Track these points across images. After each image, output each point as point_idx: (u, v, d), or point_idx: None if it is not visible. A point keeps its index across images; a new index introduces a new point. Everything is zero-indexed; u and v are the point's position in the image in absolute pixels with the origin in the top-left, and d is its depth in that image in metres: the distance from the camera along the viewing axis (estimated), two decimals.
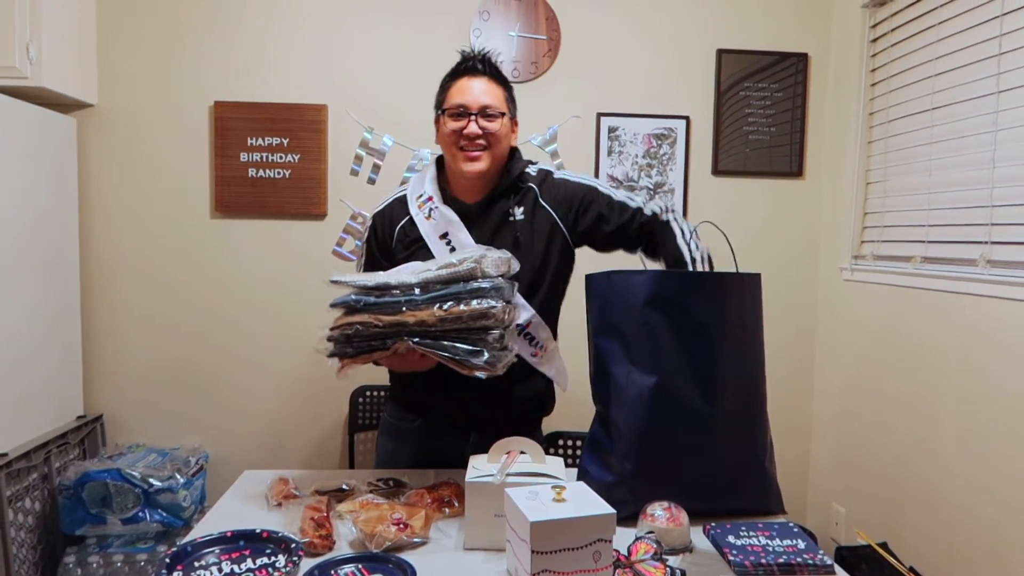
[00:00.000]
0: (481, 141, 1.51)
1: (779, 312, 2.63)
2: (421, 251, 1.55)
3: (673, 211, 1.58)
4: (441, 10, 2.55)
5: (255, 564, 1.15)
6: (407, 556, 1.19)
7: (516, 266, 1.41)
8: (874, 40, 2.42)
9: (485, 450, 1.35)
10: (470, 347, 1.32)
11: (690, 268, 1.48)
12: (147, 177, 2.53)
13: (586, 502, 1.09)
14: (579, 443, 2.20)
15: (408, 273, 1.37)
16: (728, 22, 2.63)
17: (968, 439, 1.92)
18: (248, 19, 2.52)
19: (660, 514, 1.25)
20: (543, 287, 1.59)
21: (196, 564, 1.15)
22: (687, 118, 2.63)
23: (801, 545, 1.21)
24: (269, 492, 1.46)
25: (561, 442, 2.21)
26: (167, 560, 1.14)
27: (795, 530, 1.27)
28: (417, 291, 1.32)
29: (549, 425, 2.19)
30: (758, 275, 1.46)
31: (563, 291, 1.67)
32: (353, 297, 1.34)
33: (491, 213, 1.57)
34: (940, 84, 2.09)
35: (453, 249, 1.53)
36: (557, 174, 1.64)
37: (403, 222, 1.58)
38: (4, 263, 2.09)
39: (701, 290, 1.38)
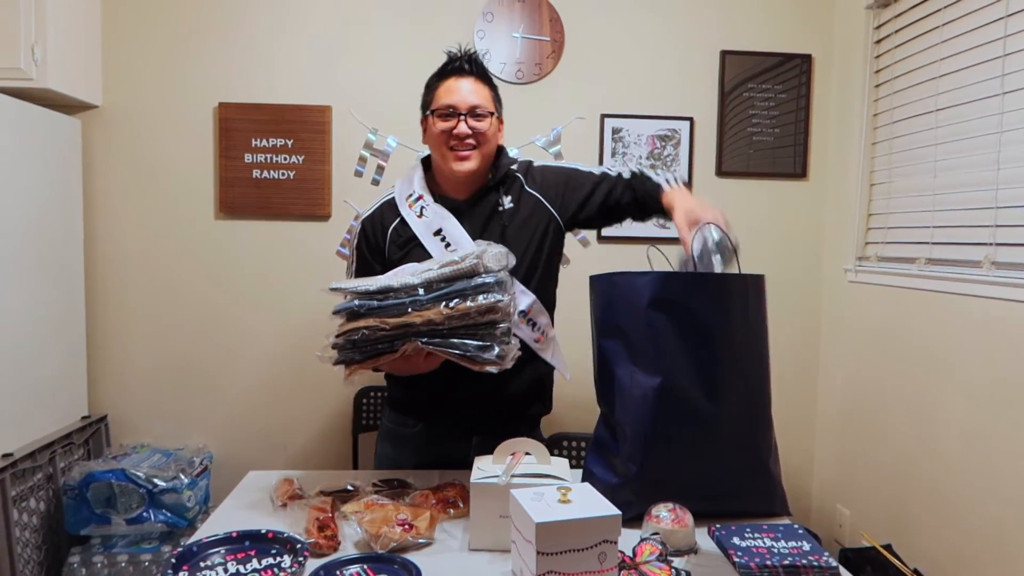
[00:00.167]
0: (471, 141, 1.53)
1: (783, 313, 2.63)
2: (416, 250, 1.56)
3: (661, 173, 1.63)
4: (445, 11, 2.55)
5: (260, 564, 1.15)
6: (412, 557, 1.19)
7: (513, 260, 1.42)
8: (878, 41, 2.42)
9: (488, 452, 1.36)
10: (480, 342, 1.32)
11: (664, 187, 1.55)
12: (151, 178, 2.54)
13: (591, 503, 1.09)
14: (583, 444, 2.20)
15: (408, 274, 1.37)
16: (732, 23, 2.63)
17: (973, 440, 1.92)
18: (252, 20, 2.52)
19: (665, 515, 1.25)
20: (538, 271, 1.61)
21: (202, 564, 1.15)
22: (691, 119, 2.63)
23: (806, 547, 1.21)
24: (274, 493, 1.46)
25: (565, 443, 2.21)
26: (173, 560, 1.14)
27: (800, 532, 1.27)
28: (421, 291, 1.32)
29: (554, 426, 2.20)
30: (762, 276, 1.46)
31: (556, 275, 1.70)
32: (356, 303, 1.33)
33: (481, 206, 1.59)
34: (944, 85, 2.09)
35: (448, 244, 1.54)
36: (537, 163, 1.69)
37: (395, 223, 1.59)
38: (9, 264, 2.09)
39: (705, 291, 1.37)
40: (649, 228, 2.62)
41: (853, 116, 2.53)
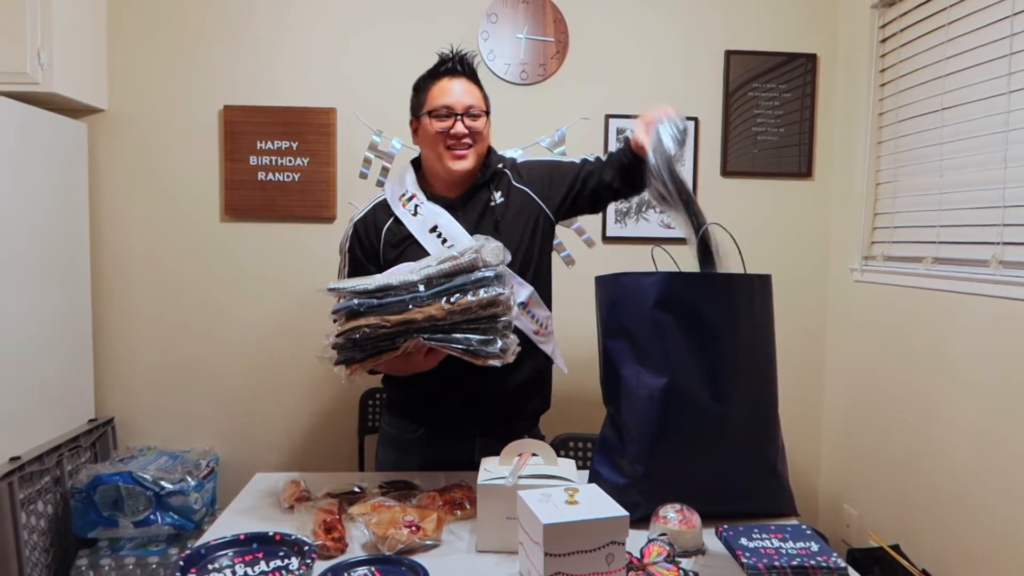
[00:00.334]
0: (467, 140, 1.56)
1: (789, 313, 2.61)
2: (411, 248, 1.57)
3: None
4: (448, 13, 2.55)
5: (268, 567, 1.15)
6: (419, 558, 1.19)
7: (508, 256, 1.43)
8: (883, 40, 2.41)
9: (491, 453, 1.36)
10: (482, 336, 1.32)
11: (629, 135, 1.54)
12: (157, 181, 2.54)
13: (599, 504, 1.08)
14: (590, 445, 2.20)
15: (406, 272, 1.37)
16: (736, 23, 2.63)
17: (981, 440, 1.91)
18: (257, 23, 2.53)
19: (672, 516, 1.25)
20: (532, 264, 1.63)
21: (210, 567, 1.16)
22: (695, 119, 2.63)
23: (814, 547, 1.20)
24: (281, 495, 1.46)
25: (572, 444, 2.21)
26: (181, 563, 1.14)
27: (808, 532, 1.27)
28: (421, 287, 1.33)
29: (560, 427, 2.20)
30: (768, 276, 1.46)
31: (550, 268, 1.73)
32: (356, 302, 1.33)
33: (473, 203, 1.61)
34: (950, 84, 2.08)
35: (444, 241, 1.55)
36: (521, 159, 1.73)
37: (388, 223, 1.60)
38: (16, 267, 2.10)
39: (711, 291, 1.37)
40: (654, 228, 2.63)
41: (858, 115, 2.52)
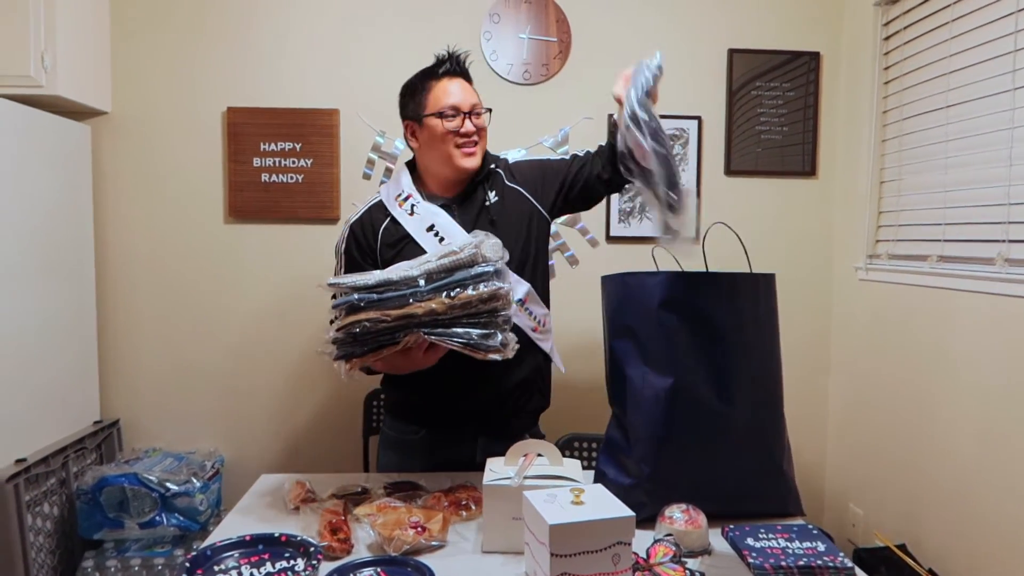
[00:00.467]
0: (475, 137, 1.59)
1: (794, 312, 2.62)
2: (408, 247, 1.57)
3: None
4: (451, 14, 2.55)
5: (274, 568, 1.15)
6: (425, 559, 1.19)
7: (507, 254, 1.44)
8: (887, 38, 2.41)
9: (493, 452, 1.35)
10: (483, 330, 1.33)
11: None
12: (161, 183, 2.55)
13: (605, 504, 1.08)
14: (595, 445, 2.20)
15: (406, 267, 1.37)
16: (739, 21, 2.62)
17: (987, 439, 1.90)
18: (260, 25, 2.53)
19: (678, 516, 1.24)
20: (529, 262, 1.65)
21: (216, 568, 1.16)
22: (699, 118, 2.62)
23: (821, 547, 1.20)
24: (286, 496, 1.46)
25: (577, 444, 2.21)
26: (187, 564, 1.14)
27: (815, 532, 1.26)
28: (422, 282, 1.33)
29: (565, 427, 2.20)
30: (772, 276, 1.45)
31: (547, 267, 1.74)
32: (356, 297, 1.34)
33: (469, 202, 1.63)
34: (955, 82, 2.07)
35: (442, 239, 1.56)
36: (512, 159, 1.75)
37: (385, 223, 1.62)
38: (21, 269, 2.11)
39: (716, 291, 1.37)
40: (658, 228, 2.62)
41: (862, 113, 2.51)
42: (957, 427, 2.01)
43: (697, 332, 1.35)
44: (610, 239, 2.63)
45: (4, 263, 2.03)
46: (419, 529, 1.24)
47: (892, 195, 2.39)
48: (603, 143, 1.68)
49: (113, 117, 2.52)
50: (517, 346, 1.40)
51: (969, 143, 2.02)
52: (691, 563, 1.14)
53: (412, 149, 1.68)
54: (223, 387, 2.60)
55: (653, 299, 1.35)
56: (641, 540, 1.15)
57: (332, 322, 1.40)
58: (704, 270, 1.45)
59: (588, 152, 1.69)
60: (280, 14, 2.53)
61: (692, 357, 1.35)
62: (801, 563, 1.15)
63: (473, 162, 1.59)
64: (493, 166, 1.68)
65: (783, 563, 1.14)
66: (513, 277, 1.56)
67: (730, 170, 2.65)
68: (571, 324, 2.46)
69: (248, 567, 1.16)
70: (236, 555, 1.20)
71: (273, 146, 2.53)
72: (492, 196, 1.63)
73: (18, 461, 2.04)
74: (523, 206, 1.66)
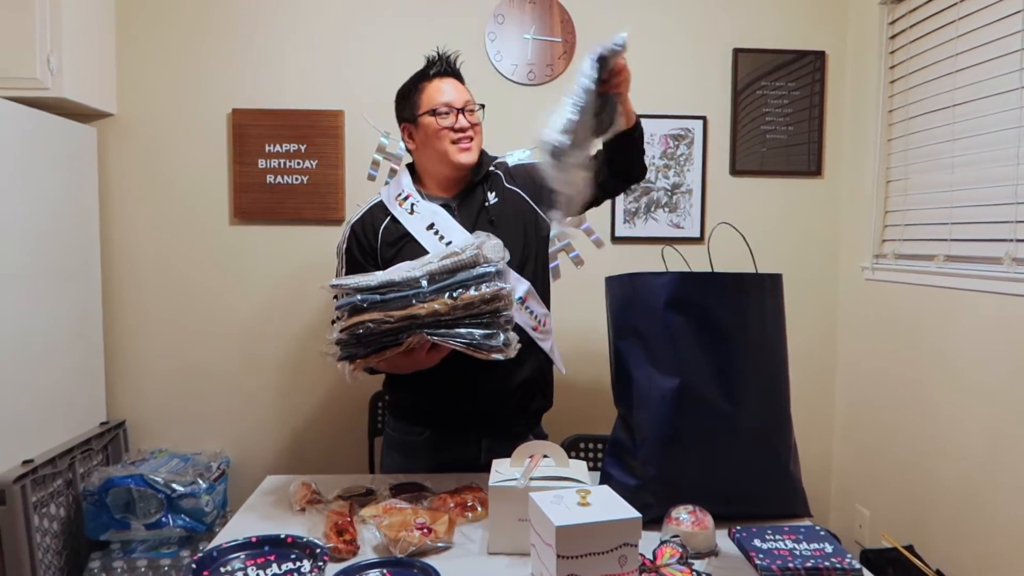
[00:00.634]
0: (470, 133, 1.61)
1: (800, 312, 2.61)
2: (408, 246, 1.58)
3: None
4: (455, 15, 2.55)
5: (280, 569, 1.15)
6: (431, 561, 1.19)
7: (508, 254, 1.45)
8: (892, 37, 2.40)
9: (497, 453, 1.35)
10: (486, 331, 1.34)
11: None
12: (166, 184, 2.55)
13: (611, 506, 1.08)
14: (600, 446, 2.19)
15: (408, 269, 1.38)
16: (744, 21, 2.62)
17: (994, 439, 1.89)
18: (264, 27, 2.53)
19: (685, 518, 1.24)
20: (529, 263, 1.65)
21: (222, 570, 1.16)
22: (704, 118, 2.62)
23: (828, 549, 1.20)
24: (292, 497, 1.46)
25: (583, 445, 2.21)
26: (193, 566, 1.14)
27: (822, 533, 1.26)
28: (424, 283, 1.34)
29: (567, 428, 2.19)
30: (779, 276, 1.45)
31: (547, 268, 1.75)
32: (359, 298, 1.35)
33: (468, 202, 1.64)
34: (961, 80, 2.06)
35: (442, 238, 1.57)
36: (511, 162, 1.77)
37: (385, 222, 1.63)
38: (27, 270, 2.11)
39: (722, 292, 1.37)
40: (663, 228, 2.62)
41: (868, 113, 2.50)
42: (964, 427, 2.00)
43: (703, 333, 1.35)
44: (615, 239, 2.63)
45: (10, 265, 2.03)
46: (425, 530, 1.24)
47: (898, 194, 2.38)
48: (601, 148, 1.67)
49: (118, 119, 2.53)
50: (519, 346, 1.40)
51: (976, 142, 2.01)
52: (698, 565, 1.14)
53: (410, 152, 1.71)
54: (229, 388, 2.60)
55: (659, 300, 1.35)
56: (648, 541, 1.14)
57: (334, 322, 1.40)
58: (710, 270, 1.45)
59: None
60: (285, 16, 2.53)
61: (698, 358, 1.34)
62: (808, 565, 1.14)
63: (469, 157, 1.61)
64: (493, 168, 1.69)
65: (790, 565, 1.14)
66: (514, 276, 1.58)
67: (735, 170, 2.64)
68: (576, 325, 2.46)
69: (254, 568, 1.16)
70: (242, 556, 1.20)
71: (278, 147, 2.53)
72: (492, 197, 1.65)
73: (25, 462, 2.05)
74: (522, 208, 1.67)
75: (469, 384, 1.57)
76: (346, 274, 1.66)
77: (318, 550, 1.18)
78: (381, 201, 1.68)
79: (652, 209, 2.62)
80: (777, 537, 1.24)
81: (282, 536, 1.24)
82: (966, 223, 2.05)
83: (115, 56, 2.51)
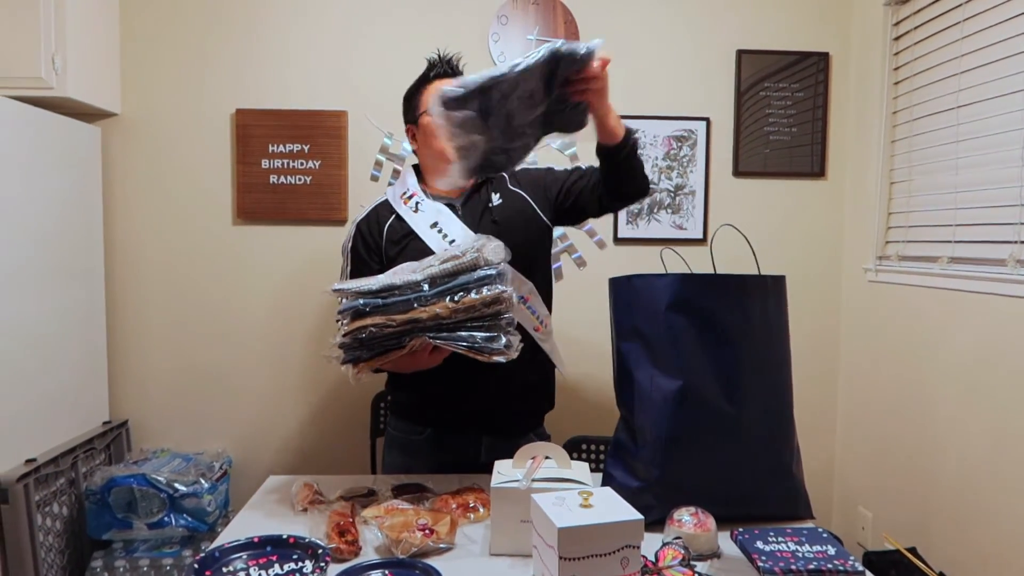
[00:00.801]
0: None
1: (803, 314, 2.60)
2: (412, 244, 1.59)
3: None
4: (459, 15, 2.55)
5: (282, 570, 1.15)
6: (433, 562, 1.19)
7: (509, 255, 1.44)
8: (897, 38, 2.39)
9: (498, 453, 1.35)
10: (487, 333, 1.34)
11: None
12: (170, 184, 2.56)
13: (614, 507, 1.08)
14: (602, 448, 2.19)
15: (409, 272, 1.38)
16: (748, 22, 2.61)
17: (999, 441, 1.89)
18: (268, 27, 2.54)
19: (687, 519, 1.24)
20: (531, 266, 1.66)
21: (224, 570, 1.16)
22: (707, 119, 2.62)
23: (831, 551, 1.19)
24: (294, 497, 1.46)
25: (585, 447, 2.20)
26: (195, 566, 1.14)
27: (825, 535, 1.25)
28: (425, 287, 1.35)
29: (569, 429, 2.19)
30: (782, 277, 1.44)
31: (550, 270, 1.75)
32: (361, 302, 1.35)
33: (472, 203, 1.65)
34: (966, 82, 2.06)
35: (445, 236, 1.58)
36: (531, 161, 1.78)
37: (390, 220, 1.64)
38: (31, 270, 2.12)
39: (725, 293, 1.36)
40: (666, 229, 2.62)
41: (872, 114, 2.50)
42: (968, 429, 2.00)
43: (706, 334, 1.34)
44: (618, 241, 2.62)
45: (14, 264, 2.04)
46: (427, 531, 1.24)
47: (902, 196, 2.38)
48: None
49: (123, 119, 2.53)
50: (521, 345, 1.40)
51: (980, 143, 2.01)
52: (700, 566, 1.13)
53: (415, 153, 1.73)
54: (232, 388, 2.61)
55: (661, 301, 1.35)
56: (650, 543, 1.14)
57: (338, 322, 1.41)
58: (712, 272, 1.45)
59: (592, 167, 1.68)
60: (288, 17, 2.54)
61: (701, 359, 1.34)
62: (811, 567, 1.14)
63: None
64: None
65: (793, 567, 1.14)
66: (516, 275, 1.58)
67: (738, 171, 2.64)
68: (578, 326, 2.45)
69: (256, 568, 1.16)
70: (244, 556, 1.20)
71: (281, 148, 2.54)
72: (495, 198, 1.66)
73: (28, 461, 2.05)
74: (525, 210, 1.68)
75: (471, 384, 1.58)
76: (351, 273, 1.68)
77: (320, 551, 1.18)
78: (386, 200, 1.69)
79: (655, 210, 2.62)
80: (779, 539, 1.24)
81: (284, 536, 1.24)
82: (970, 225, 2.05)
83: (119, 56, 2.51)
